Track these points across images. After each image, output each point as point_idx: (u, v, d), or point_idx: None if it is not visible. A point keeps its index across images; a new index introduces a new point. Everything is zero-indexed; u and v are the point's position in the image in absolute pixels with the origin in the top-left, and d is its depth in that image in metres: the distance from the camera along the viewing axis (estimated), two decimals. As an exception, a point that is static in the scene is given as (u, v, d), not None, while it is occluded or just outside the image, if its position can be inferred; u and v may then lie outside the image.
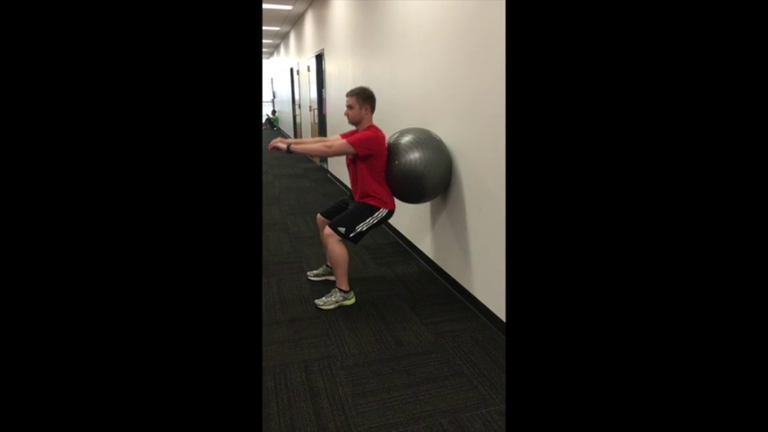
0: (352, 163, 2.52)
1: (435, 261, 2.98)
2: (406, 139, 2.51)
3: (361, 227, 2.43)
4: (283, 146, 2.37)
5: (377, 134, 2.44)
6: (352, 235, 2.41)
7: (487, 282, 2.35)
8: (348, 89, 4.93)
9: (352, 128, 2.60)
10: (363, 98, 2.45)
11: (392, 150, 2.51)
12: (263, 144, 10.42)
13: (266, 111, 16.16)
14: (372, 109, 2.49)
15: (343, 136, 2.54)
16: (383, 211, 2.48)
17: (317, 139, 2.64)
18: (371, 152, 2.41)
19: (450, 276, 2.76)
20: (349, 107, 2.46)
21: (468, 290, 2.54)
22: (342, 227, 2.41)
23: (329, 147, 2.41)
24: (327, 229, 2.42)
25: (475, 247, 2.45)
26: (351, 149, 2.39)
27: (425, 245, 3.14)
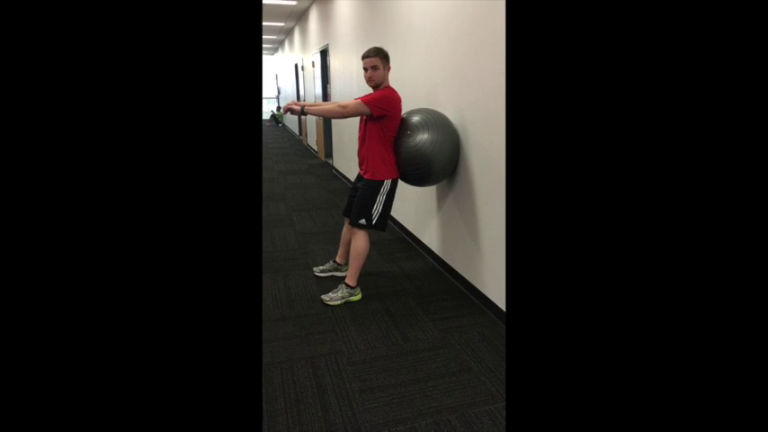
0: (364, 125, 2.44)
1: (442, 257, 2.97)
2: (414, 119, 2.46)
3: (376, 209, 2.39)
4: (297, 108, 2.29)
5: (393, 94, 2.36)
6: (374, 222, 2.39)
7: (494, 277, 2.34)
8: (353, 84, 4.94)
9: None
10: (384, 57, 2.34)
11: (399, 130, 2.44)
12: (264, 141, 10.44)
13: (271, 107, 16.18)
14: (390, 65, 2.41)
15: (360, 98, 2.45)
16: (387, 183, 2.42)
17: (332, 102, 2.58)
18: (386, 113, 2.33)
19: (456, 272, 2.75)
20: (373, 68, 2.33)
21: (475, 285, 2.53)
22: (361, 219, 2.39)
23: (344, 107, 2.30)
24: (350, 227, 2.42)
25: (481, 243, 2.44)
26: (366, 110, 2.30)
27: (432, 241, 3.13)
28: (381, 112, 2.32)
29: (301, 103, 2.34)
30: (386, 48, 3.66)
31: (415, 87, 3.18)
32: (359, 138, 2.51)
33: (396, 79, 3.52)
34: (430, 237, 3.16)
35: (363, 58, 2.37)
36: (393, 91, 2.39)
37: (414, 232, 3.46)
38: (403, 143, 2.42)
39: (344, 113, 2.32)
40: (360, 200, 2.44)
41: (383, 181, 2.41)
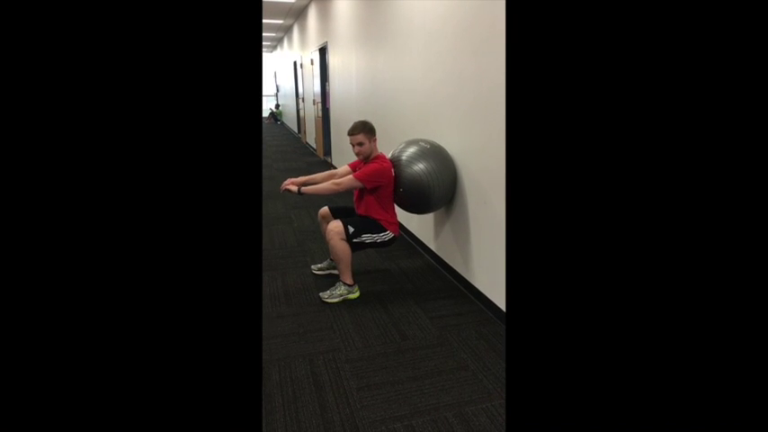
0: (360, 195, 2.57)
1: (440, 255, 2.97)
2: (410, 151, 2.54)
3: (367, 237, 2.46)
4: (294, 188, 2.43)
5: (382, 165, 2.47)
6: (355, 240, 2.44)
7: (492, 275, 2.34)
8: (351, 82, 4.94)
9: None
10: (368, 131, 2.48)
11: (397, 164, 2.54)
12: (264, 139, 10.42)
13: (270, 105, 16.15)
14: (376, 137, 2.54)
15: (351, 166, 2.63)
16: (389, 234, 2.52)
17: (326, 175, 2.69)
18: (379, 184, 2.46)
19: (454, 270, 2.75)
20: (359, 144, 2.46)
21: (473, 284, 2.53)
22: (352, 227, 2.44)
23: (338, 185, 2.44)
24: (333, 224, 2.42)
25: (479, 241, 2.44)
26: (359, 185, 2.44)
27: (430, 239, 3.14)
28: (374, 184, 2.45)
29: (297, 181, 2.50)
30: (385, 46, 3.67)
31: (413, 85, 3.18)
32: (355, 205, 2.64)
33: (395, 77, 3.53)
34: (428, 235, 3.16)
35: (348, 134, 2.51)
36: (383, 161, 2.51)
37: (412, 231, 3.46)
38: (401, 175, 2.50)
39: (339, 190, 2.46)
40: (364, 220, 2.51)
41: (388, 230, 2.52)
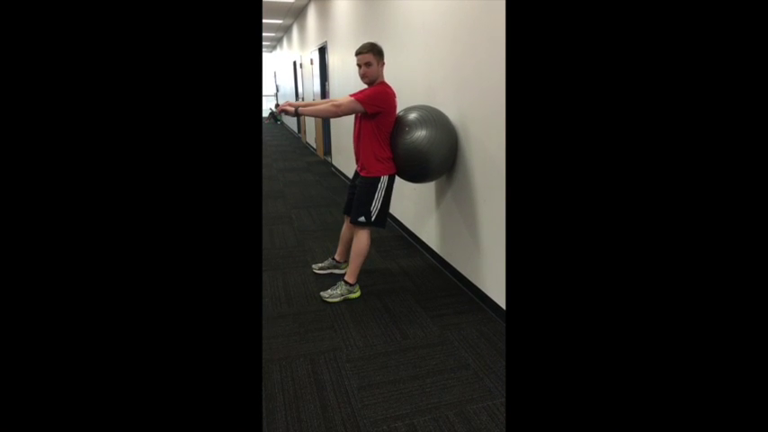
0: (358, 122, 2.43)
1: (440, 254, 2.97)
2: (412, 116, 2.45)
3: (375, 205, 2.39)
4: (291, 109, 2.28)
5: (386, 90, 2.33)
6: (373, 219, 2.40)
7: (493, 274, 2.34)
8: (350, 81, 4.93)
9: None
10: (378, 52, 2.32)
11: (396, 127, 2.43)
12: (263, 139, 10.42)
13: (270, 105, 16.15)
14: (384, 61, 2.40)
15: (353, 95, 2.42)
16: (385, 179, 2.41)
17: (326, 100, 2.51)
18: (380, 109, 2.31)
19: (455, 269, 2.75)
20: (367, 65, 2.30)
21: (474, 282, 2.53)
22: (360, 217, 2.39)
23: (337, 106, 2.29)
24: (353, 228, 2.43)
25: (480, 240, 2.44)
26: (359, 107, 2.29)
27: (430, 238, 3.14)
28: (375, 109, 2.30)
29: (295, 103, 2.33)
30: (384, 45, 3.66)
31: (413, 85, 3.17)
32: (354, 135, 2.50)
33: (394, 77, 3.52)
34: (429, 234, 3.16)
35: (357, 54, 2.34)
36: (387, 86, 2.37)
37: (412, 229, 3.46)
38: (400, 140, 2.41)
39: (338, 112, 2.30)
40: (358, 197, 2.44)
41: (380, 177, 2.40)
